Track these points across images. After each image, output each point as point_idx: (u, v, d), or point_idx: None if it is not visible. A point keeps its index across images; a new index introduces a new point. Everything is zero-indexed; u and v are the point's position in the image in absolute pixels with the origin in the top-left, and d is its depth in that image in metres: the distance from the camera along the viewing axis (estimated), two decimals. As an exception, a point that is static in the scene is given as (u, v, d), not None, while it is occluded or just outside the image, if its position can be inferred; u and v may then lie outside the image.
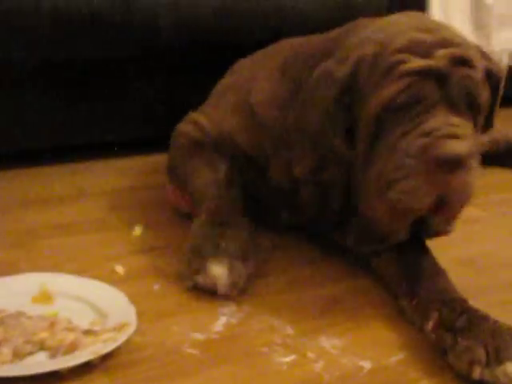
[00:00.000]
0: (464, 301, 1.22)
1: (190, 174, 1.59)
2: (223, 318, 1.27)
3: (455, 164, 1.18)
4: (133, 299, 1.25)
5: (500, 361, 1.07)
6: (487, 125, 1.40)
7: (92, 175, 1.98)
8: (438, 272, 1.31)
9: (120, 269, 1.42)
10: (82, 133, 2.05)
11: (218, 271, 1.30)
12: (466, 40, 1.32)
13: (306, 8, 2.13)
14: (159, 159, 1.77)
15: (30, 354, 1.12)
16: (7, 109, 1.92)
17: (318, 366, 1.15)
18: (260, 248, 1.46)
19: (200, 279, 1.31)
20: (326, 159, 1.35)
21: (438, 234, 1.37)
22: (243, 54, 1.74)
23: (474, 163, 1.23)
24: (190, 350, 1.17)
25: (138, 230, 1.60)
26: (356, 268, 1.47)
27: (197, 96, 1.75)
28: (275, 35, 1.73)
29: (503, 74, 1.39)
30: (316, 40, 1.54)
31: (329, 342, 1.21)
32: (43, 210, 1.72)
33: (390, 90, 1.23)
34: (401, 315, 1.29)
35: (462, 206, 1.28)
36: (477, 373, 1.08)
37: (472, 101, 1.26)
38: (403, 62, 1.23)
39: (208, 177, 1.54)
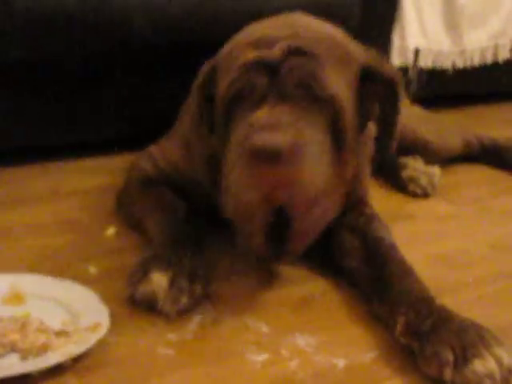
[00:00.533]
0: (431, 301, 1.21)
1: (146, 211, 1.54)
2: (197, 318, 1.26)
3: (271, 156, 1.13)
4: (106, 300, 1.25)
5: (467, 360, 1.07)
6: (388, 134, 1.39)
7: (65, 175, 1.96)
8: (404, 272, 1.30)
9: (93, 269, 1.41)
10: (55, 133, 2.03)
11: (159, 280, 1.23)
12: (326, 36, 1.31)
13: (280, 7, 2.12)
14: (133, 158, 1.76)
15: (1, 356, 1.10)
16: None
17: (293, 364, 1.15)
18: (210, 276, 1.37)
19: (140, 287, 1.25)
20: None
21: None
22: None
23: (305, 156, 1.17)
24: (163, 351, 1.17)
25: (111, 230, 1.58)
26: (327, 268, 1.47)
27: (172, 95, 1.74)
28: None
29: (397, 79, 1.37)
30: None
31: (303, 340, 1.21)
32: (16, 210, 1.70)
33: (226, 81, 1.28)
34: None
35: (299, 202, 1.19)
36: (447, 376, 1.08)
37: (309, 91, 1.24)
38: (242, 54, 1.28)
39: (164, 216, 1.48)
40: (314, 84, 1.24)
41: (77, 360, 1.10)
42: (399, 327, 1.19)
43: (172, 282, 1.25)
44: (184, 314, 1.25)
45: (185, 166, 1.56)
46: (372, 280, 1.33)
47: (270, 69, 1.24)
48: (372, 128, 1.44)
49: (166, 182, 1.60)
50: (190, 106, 1.55)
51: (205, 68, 1.40)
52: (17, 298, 1.25)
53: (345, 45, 1.34)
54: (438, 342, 1.11)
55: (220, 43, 1.40)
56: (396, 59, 2.53)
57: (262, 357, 1.16)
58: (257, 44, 1.28)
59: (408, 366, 1.15)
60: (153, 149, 1.67)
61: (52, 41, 1.87)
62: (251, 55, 1.26)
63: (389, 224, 1.49)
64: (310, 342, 1.21)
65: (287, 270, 1.46)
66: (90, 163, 2.01)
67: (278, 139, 1.14)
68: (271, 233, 1.22)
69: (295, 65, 1.24)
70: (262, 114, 1.19)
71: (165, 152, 1.62)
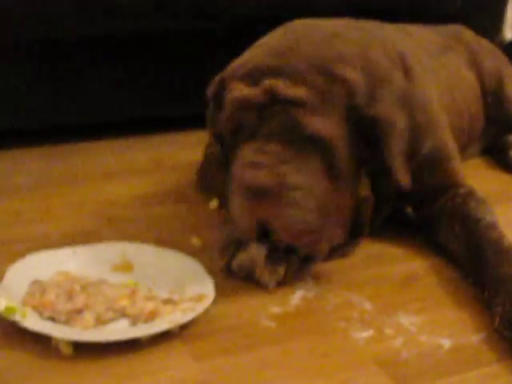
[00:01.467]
0: None
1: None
2: (300, 292, 1.27)
3: (257, 193, 1.19)
4: (210, 271, 1.27)
5: None
6: (390, 174, 1.32)
7: (169, 148, 2.00)
8: (501, 256, 1.25)
9: (196, 241, 1.43)
10: (162, 105, 2.08)
11: (257, 250, 1.26)
12: (319, 70, 1.27)
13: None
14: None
15: (112, 320, 1.14)
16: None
17: (397, 343, 1.13)
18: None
19: (239, 256, 1.28)
20: None
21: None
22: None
23: (289, 194, 1.20)
24: (266, 323, 1.18)
25: (214, 203, 1.60)
26: (428, 247, 1.44)
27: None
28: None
29: (384, 117, 1.30)
30: None
31: (407, 319, 1.20)
32: (123, 181, 1.75)
33: (221, 117, 1.33)
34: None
35: (287, 234, 1.23)
36: None
37: (295, 132, 1.23)
38: (234, 88, 1.30)
39: None
40: (298, 127, 1.24)
41: (183, 328, 1.13)
42: (497, 320, 1.15)
43: (269, 253, 1.26)
44: (282, 285, 1.27)
45: None
46: (471, 265, 1.30)
47: (258, 109, 1.26)
48: None
49: None
50: None
51: (215, 80, 1.42)
52: (126, 266, 1.29)
53: (334, 80, 1.28)
54: None
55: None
56: (509, 33, 2.43)
57: (366, 334, 1.15)
58: (249, 77, 1.30)
59: (515, 351, 1.12)
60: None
61: (153, 13, 1.90)
62: (239, 93, 1.29)
63: (495, 205, 1.44)
64: (414, 321, 1.19)
65: (391, 248, 1.44)
66: (193, 137, 2.03)
67: (259, 177, 1.20)
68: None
69: (279, 110, 1.25)
70: (248, 151, 1.24)
71: None
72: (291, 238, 1.23)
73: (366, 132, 1.30)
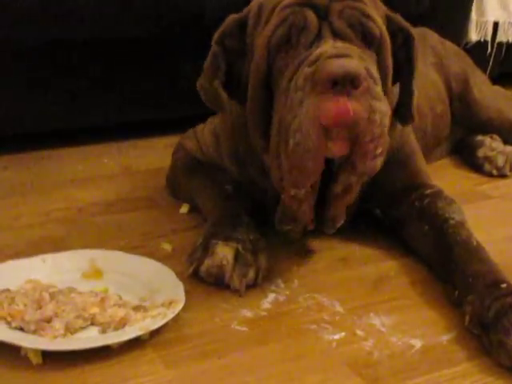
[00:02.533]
0: (497, 286, 1.16)
1: (195, 190, 1.55)
2: (271, 296, 1.26)
3: (347, 82, 1.07)
4: (180, 276, 1.26)
5: None
6: (406, 92, 1.33)
7: (138, 153, 1.99)
8: (471, 255, 1.26)
9: (167, 246, 1.43)
10: (130, 111, 2.07)
11: (225, 253, 1.25)
12: None
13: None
14: (180, 137, 1.77)
15: (82, 328, 1.13)
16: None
17: (368, 344, 1.14)
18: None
19: (206, 261, 1.26)
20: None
21: (350, 186, 1.21)
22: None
23: (375, 87, 1.13)
24: (238, 327, 1.17)
25: (184, 208, 1.60)
26: (398, 248, 1.45)
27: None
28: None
29: (414, 33, 1.33)
30: None
31: (378, 320, 1.20)
32: (92, 187, 1.74)
33: (271, 24, 1.20)
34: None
35: (370, 139, 1.12)
36: None
37: (364, 31, 1.20)
38: (282, 1, 1.21)
39: (214, 191, 1.49)
40: (367, 23, 1.20)
41: (154, 334, 1.12)
42: (467, 317, 1.16)
43: (237, 256, 1.26)
44: (252, 288, 1.26)
45: (213, 152, 1.55)
46: (441, 264, 1.31)
47: (319, 9, 1.19)
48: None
49: (209, 161, 1.59)
50: None
51: (229, 20, 1.30)
52: (96, 273, 1.28)
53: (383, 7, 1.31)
54: (501, 330, 1.08)
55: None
56: (474, 34, 2.46)
57: (337, 336, 1.16)
58: None
59: (485, 348, 1.12)
60: (198, 128, 1.66)
61: (123, 16, 1.88)
62: None
63: (464, 204, 1.46)
64: (386, 322, 1.20)
65: (361, 250, 1.44)
66: (162, 142, 2.03)
67: (352, 63, 1.09)
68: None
69: (346, 5, 1.20)
70: (323, 49, 1.13)
71: (202, 134, 1.61)
72: (371, 138, 1.12)
73: (394, 42, 1.29)
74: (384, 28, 1.25)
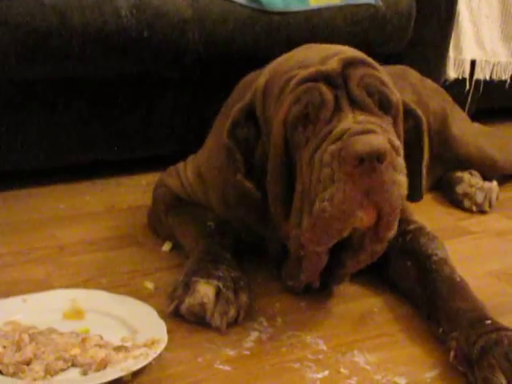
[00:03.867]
0: (482, 322, 1.17)
1: (177, 226, 1.55)
2: (254, 334, 1.26)
3: (373, 159, 1.09)
4: (163, 315, 1.25)
5: None
6: (416, 173, 1.34)
7: (121, 191, 1.98)
8: (454, 291, 1.27)
9: (150, 285, 1.42)
10: (109, 150, 2.06)
11: (206, 292, 1.24)
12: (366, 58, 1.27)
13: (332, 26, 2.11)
14: (160, 175, 1.77)
15: (62, 370, 1.11)
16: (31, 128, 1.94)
17: (352, 383, 1.13)
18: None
19: (187, 300, 1.25)
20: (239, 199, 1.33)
21: (366, 258, 1.28)
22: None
23: (397, 159, 1.15)
24: (221, 366, 1.16)
25: (167, 246, 1.59)
26: (383, 285, 1.45)
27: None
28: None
29: (423, 119, 1.35)
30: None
31: (362, 358, 1.20)
32: (72, 225, 1.73)
33: (286, 102, 1.20)
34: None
35: (393, 210, 1.16)
36: None
37: (381, 98, 1.21)
38: (293, 76, 1.21)
39: (196, 228, 1.49)
40: (385, 90, 1.21)
41: (136, 375, 1.11)
42: (452, 353, 1.16)
43: (218, 294, 1.25)
44: (235, 325, 1.26)
45: (198, 191, 1.56)
46: (425, 301, 1.31)
47: (335, 81, 1.19)
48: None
49: (191, 198, 1.59)
50: (212, 136, 1.55)
51: (235, 111, 1.32)
52: (77, 313, 1.27)
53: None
54: (487, 367, 1.08)
55: (271, 58, 1.39)
56: (452, 72, 2.50)
57: (321, 375, 1.15)
58: (302, 65, 1.23)
59: (470, 385, 1.12)
60: (180, 165, 1.67)
61: (107, 57, 1.89)
62: (307, 71, 1.21)
63: (446, 240, 1.47)
64: (370, 359, 1.19)
65: (344, 287, 1.44)
66: (144, 180, 2.03)
67: (378, 140, 1.10)
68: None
69: (363, 74, 1.20)
70: (347, 125, 1.14)
71: (184, 173, 1.62)
72: (393, 212, 1.16)
73: (406, 128, 1.30)
74: (399, 95, 1.26)
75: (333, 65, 1.21)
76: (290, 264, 1.33)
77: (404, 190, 1.17)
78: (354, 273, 1.36)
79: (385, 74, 1.25)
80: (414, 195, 1.35)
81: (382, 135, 1.13)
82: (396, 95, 1.24)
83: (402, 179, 1.16)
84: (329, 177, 1.14)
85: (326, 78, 1.20)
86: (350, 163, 1.10)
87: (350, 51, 1.28)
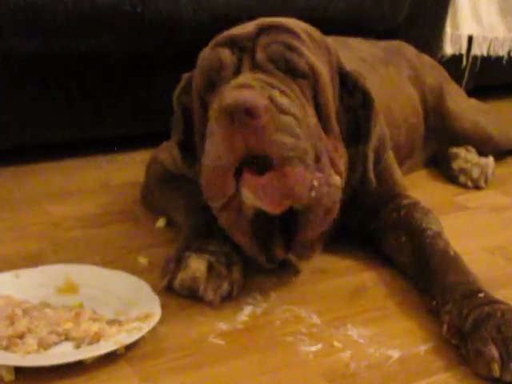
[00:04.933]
0: (475, 295, 1.17)
1: (169, 202, 1.55)
2: (248, 308, 1.25)
3: (241, 113, 1.06)
4: (156, 290, 1.25)
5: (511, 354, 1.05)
6: (364, 159, 1.31)
7: (114, 168, 1.98)
8: (448, 265, 1.26)
9: (143, 260, 1.41)
10: (104, 126, 2.05)
11: (197, 266, 1.24)
12: (307, 27, 1.27)
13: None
14: (152, 151, 1.76)
15: (55, 344, 1.11)
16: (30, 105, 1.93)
17: (345, 356, 1.13)
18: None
19: (179, 275, 1.25)
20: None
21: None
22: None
23: (283, 118, 1.11)
24: (215, 340, 1.16)
25: (161, 222, 1.59)
26: (375, 259, 1.45)
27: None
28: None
29: (373, 95, 1.30)
30: None
31: (355, 332, 1.20)
32: (67, 202, 1.72)
33: (196, 74, 1.25)
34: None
35: (281, 165, 1.10)
36: (496, 372, 1.06)
37: (287, 64, 1.19)
38: (210, 46, 1.25)
39: (188, 203, 1.47)
40: (293, 57, 1.19)
41: (129, 349, 1.11)
42: (445, 327, 1.16)
43: (210, 269, 1.25)
44: (228, 300, 1.25)
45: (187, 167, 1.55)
46: (419, 274, 1.31)
47: (240, 46, 1.20)
48: None
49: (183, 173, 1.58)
50: None
51: (183, 77, 1.37)
52: (70, 288, 1.26)
53: (326, 40, 1.31)
54: (479, 340, 1.08)
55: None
56: (449, 48, 2.48)
57: (315, 348, 1.15)
58: (227, 36, 1.24)
59: (463, 358, 1.12)
60: (171, 141, 1.65)
61: (99, 33, 1.87)
62: (219, 36, 1.24)
63: (441, 215, 1.47)
64: (363, 333, 1.19)
65: (338, 262, 1.44)
66: (138, 156, 2.02)
67: (248, 94, 1.08)
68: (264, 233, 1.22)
69: (270, 39, 1.20)
70: (233, 82, 1.14)
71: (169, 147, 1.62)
72: (282, 165, 1.10)
73: (353, 103, 1.29)
74: (317, 65, 1.22)
75: (248, 29, 1.22)
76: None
77: (296, 152, 1.10)
78: (324, 245, 1.35)
79: (310, 48, 1.23)
80: (362, 181, 1.33)
81: (258, 90, 1.10)
82: (309, 63, 1.20)
83: (289, 140, 1.10)
84: (209, 130, 1.15)
85: (233, 43, 1.21)
86: (220, 117, 1.09)
87: (283, 20, 1.26)
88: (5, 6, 1.71)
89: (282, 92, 1.15)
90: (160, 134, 1.85)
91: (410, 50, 2.00)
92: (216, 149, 1.12)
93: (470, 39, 2.53)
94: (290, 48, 1.20)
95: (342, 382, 1.07)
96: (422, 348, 1.16)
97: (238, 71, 1.19)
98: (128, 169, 1.96)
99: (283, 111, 1.12)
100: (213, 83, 1.22)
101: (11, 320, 1.14)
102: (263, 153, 1.10)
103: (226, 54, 1.20)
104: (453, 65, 2.46)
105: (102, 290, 1.25)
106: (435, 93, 1.94)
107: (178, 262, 1.26)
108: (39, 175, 1.90)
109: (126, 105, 2.06)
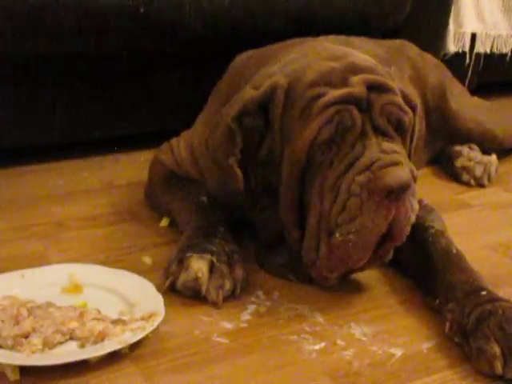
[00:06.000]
0: (477, 294, 1.17)
1: (171, 202, 1.55)
2: (251, 307, 1.26)
3: (402, 191, 1.16)
4: (160, 290, 1.25)
5: None
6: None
7: (119, 168, 1.98)
8: (450, 263, 1.27)
9: (147, 259, 1.42)
10: (109, 126, 2.06)
11: (199, 267, 1.24)
12: (376, 64, 1.29)
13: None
14: (155, 151, 1.77)
15: (60, 343, 1.12)
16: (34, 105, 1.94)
17: (348, 354, 1.14)
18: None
19: (181, 275, 1.25)
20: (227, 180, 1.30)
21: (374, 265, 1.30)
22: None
23: (415, 186, 1.22)
24: (218, 339, 1.17)
25: (165, 221, 1.59)
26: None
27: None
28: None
29: (416, 100, 1.35)
30: (255, 59, 1.51)
31: (359, 330, 1.20)
32: (71, 202, 1.73)
33: (314, 125, 1.20)
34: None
35: (407, 229, 1.23)
36: (498, 370, 1.06)
37: (399, 124, 1.24)
38: (321, 95, 1.21)
39: (189, 203, 1.48)
40: (401, 116, 1.24)
41: (134, 348, 1.12)
42: (448, 325, 1.17)
43: (212, 268, 1.25)
44: (232, 299, 1.26)
45: (190, 167, 1.56)
46: (422, 273, 1.31)
47: (361, 105, 1.21)
48: None
49: (185, 174, 1.59)
50: (206, 113, 1.56)
51: (247, 99, 1.27)
52: (75, 287, 1.27)
53: (388, 71, 1.34)
54: (481, 337, 1.09)
55: (268, 34, 1.36)
56: (452, 46, 2.48)
57: (318, 346, 1.15)
58: (325, 81, 1.23)
59: (465, 356, 1.13)
60: (173, 141, 1.66)
61: (103, 32, 1.88)
62: (335, 93, 1.21)
63: (444, 213, 1.47)
64: (366, 331, 1.20)
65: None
66: (142, 156, 2.03)
67: (405, 173, 1.17)
68: None
69: (386, 101, 1.23)
70: (374, 155, 1.18)
71: (178, 149, 1.61)
72: (407, 230, 1.23)
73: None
74: (411, 114, 1.29)
75: (358, 88, 1.21)
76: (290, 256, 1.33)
77: (415, 211, 1.23)
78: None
79: (398, 94, 1.27)
80: None
81: (407, 167, 1.18)
82: (409, 116, 1.27)
83: (417, 204, 1.23)
84: (356, 207, 1.17)
85: (355, 101, 1.21)
86: (380, 195, 1.15)
87: (360, 63, 1.27)
88: (7, 7, 1.72)
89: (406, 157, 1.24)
90: (163, 134, 1.87)
91: (412, 49, 2.00)
92: (365, 223, 1.17)
93: (474, 37, 2.53)
94: (402, 109, 1.25)
95: (346, 380, 1.07)
96: (425, 346, 1.17)
97: (362, 133, 1.20)
98: (132, 169, 1.96)
99: (415, 179, 1.22)
100: (334, 140, 1.21)
101: (16, 320, 1.14)
102: (405, 222, 1.20)
103: (357, 115, 1.21)
104: (456, 62, 2.46)
105: (107, 290, 1.26)
106: (437, 92, 1.94)
107: (180, 262, 1.27)
108: (43, 176, 1.90)
109: (128, 104, 2.07)
